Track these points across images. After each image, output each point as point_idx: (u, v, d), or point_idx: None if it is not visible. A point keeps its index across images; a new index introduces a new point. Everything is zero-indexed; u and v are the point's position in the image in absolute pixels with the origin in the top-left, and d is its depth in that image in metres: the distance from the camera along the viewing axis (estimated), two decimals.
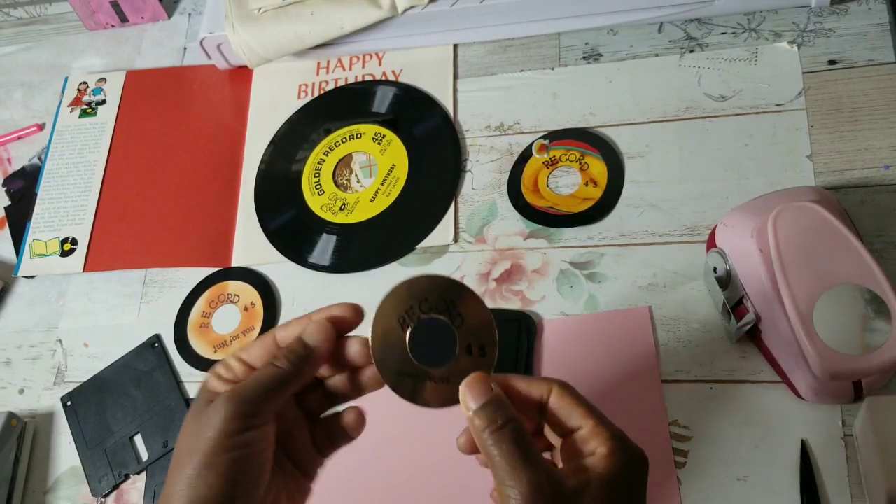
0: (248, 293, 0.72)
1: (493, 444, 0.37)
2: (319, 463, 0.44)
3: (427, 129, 0.75)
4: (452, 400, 0.40)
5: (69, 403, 0.72)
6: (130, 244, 0.77)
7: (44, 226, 0.80)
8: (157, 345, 0.72)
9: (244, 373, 0.42)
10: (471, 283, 0.67)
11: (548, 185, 0.69)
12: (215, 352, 0.71)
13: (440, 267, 0.69)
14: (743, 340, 0.59)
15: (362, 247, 0.72)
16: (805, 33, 0.69)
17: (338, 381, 0.44)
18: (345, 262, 0.72)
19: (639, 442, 0.39)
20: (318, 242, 0.73)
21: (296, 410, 0.44)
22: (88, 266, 0.77)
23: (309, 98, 0.81)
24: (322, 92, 0.81)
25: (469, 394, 0.39)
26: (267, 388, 0.40)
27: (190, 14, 0.91)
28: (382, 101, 0.78)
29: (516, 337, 0.63)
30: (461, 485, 0.59)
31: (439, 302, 0.40)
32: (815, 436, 0.55)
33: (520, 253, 0.67)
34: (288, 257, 0.73)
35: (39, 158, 0.86)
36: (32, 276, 0.79)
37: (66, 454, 0.70)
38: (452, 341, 0.40)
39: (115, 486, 0.67)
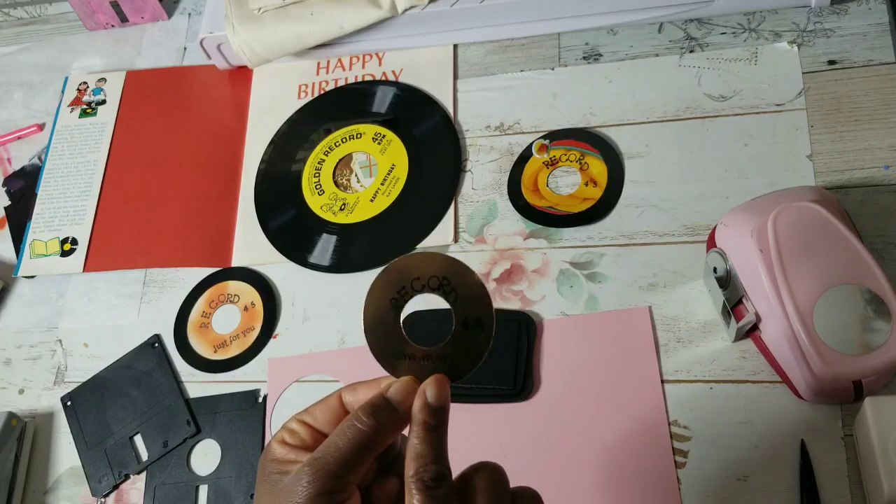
0: (248, 293, 0.72)
1: (416, 435, 0.37)
2: None
3: (427, 129, 0.75)
4: (451, 378, 0.38)
5: (69, 403, 0.72)
6: (130, 244, 0.77)
7: (44, 226, 0.80)
8: (157, 345, 0.72)
9: (311, 437, 0.39)
10: None
11: (548, 185, 0.69)
12: (215, 352, 0.71)
13: None
14: (743, 340, 0.59)
15: (362, 247, 0.72)
16: (805, 33, 0.69)
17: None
18: (345, 262, 0.72)
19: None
20: (318, 242, 0.73)
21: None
22: (88, 266, 0.77)
23: (309, 98, 0.81)
24: (322, 92, 0.81)
25: (434, 388, 0.38)
26: (352, 456, 0.36)
27: (190, 14, 0.91)
28: (382, 101, 0.78)
29: (516, 337, 0.63)
30: None
31: (431, 278, 0.38)
32: (815, 436, 0.55)
33: (520, 253, 0.67)
34: (288, 257, 0.73)
35: (39, 158, 0.86)
36: (32, 276, 0.79)
37: (66, 454, 0.70)
38: (448, 317, 0.38)
39: (115, 486, 0.67)
